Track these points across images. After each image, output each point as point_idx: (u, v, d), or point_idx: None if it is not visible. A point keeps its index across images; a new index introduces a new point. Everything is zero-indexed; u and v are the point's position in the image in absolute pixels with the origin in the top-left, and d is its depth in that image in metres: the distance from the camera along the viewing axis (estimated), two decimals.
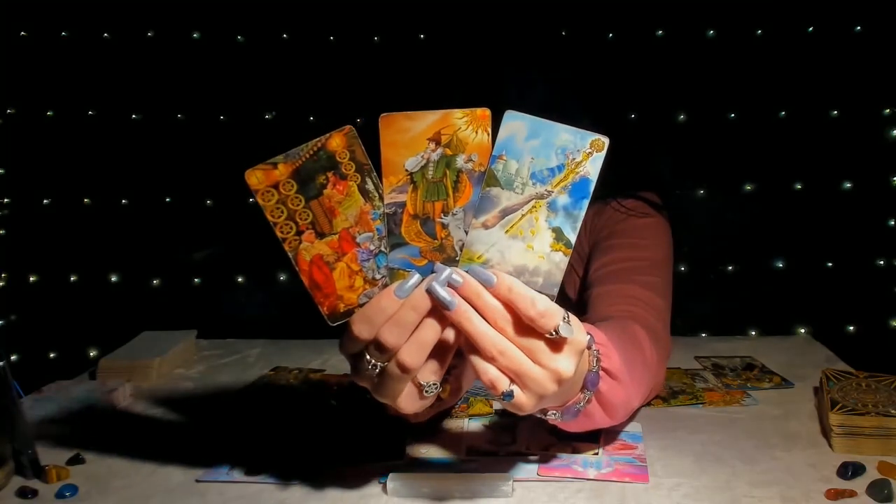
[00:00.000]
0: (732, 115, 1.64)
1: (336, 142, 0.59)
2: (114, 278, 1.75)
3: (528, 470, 0.72)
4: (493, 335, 0.56)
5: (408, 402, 0.60)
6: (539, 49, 0.98)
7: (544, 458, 0.74)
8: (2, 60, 1.68)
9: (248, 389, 1.02)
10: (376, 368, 0.58)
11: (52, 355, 1.76)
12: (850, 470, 0.69)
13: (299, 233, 0.59)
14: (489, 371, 0.57)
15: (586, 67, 1.06)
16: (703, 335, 1.40)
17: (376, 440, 0.80)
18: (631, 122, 1.62)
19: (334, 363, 1.13)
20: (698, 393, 0.93)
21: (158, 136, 1.72)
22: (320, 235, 0.60)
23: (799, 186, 1.64)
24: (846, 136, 1.62)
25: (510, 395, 0.57)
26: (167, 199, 1.73)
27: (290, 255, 0.60)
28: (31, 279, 1.76)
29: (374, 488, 0.70)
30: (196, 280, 1.75)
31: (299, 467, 0.75)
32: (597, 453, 0.75)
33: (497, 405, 0.90)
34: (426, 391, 0.59)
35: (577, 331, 0.58)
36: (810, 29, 1.60)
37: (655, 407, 0.89)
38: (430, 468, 0.73)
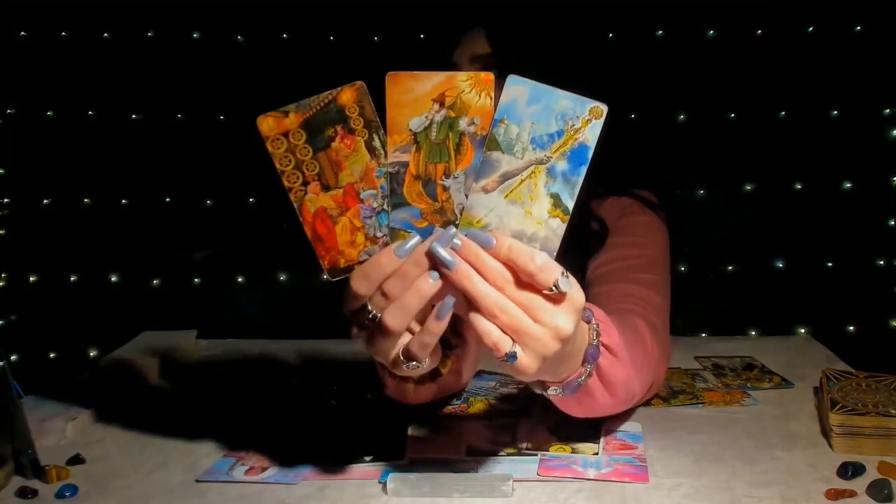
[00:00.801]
0: (732, 115, 1.64)
1: (347, 96, 0.59)
2: (114, 278, 1.75)
3: (528, 470, 0.72)
4: (493, 294, 0.57)
5: (399, 367, 0.62)
6: (539, 49, 0.98)
7: (544, 458, 0.74)
8: (2, 60, 1.68)
9: (248, 389, 1.02)
10: (375, 320, 0.59)
11: (52, 355, 1.76)
12: (850, 470, 0.69)
13: (305, 183, 0.60)
14: (492, 333, 0.58)
15: (586, 68, 1.05)
16: (703, 335, 1.40)
17: (376, 440, 0.80)
18: (630, 121, 1.62)
19: (334, 363, 1.13)
20: (698, 393, 0.93)
21: (158, 136, 1.72)
22: (325, 188, 0.60)
23: (799, 186, 1.64)
24: (846, 136, 1.62)
25: (513, 356, 0.58)
26: (167, 199, 1.73)
27: (294, 204, 0.61)
28: (31, 279, 1.76)
29: (374, 488, 0.70)
30: (196, 280, 1.75)
31: (299, 467, 0.75)
32: (597, 453, 0.75)
33: (497, 405, 0.90)
34: (409, 366, 0.61)
35: (575, 289, 0.58)
36: (810, 29, 1.60)
37: (655, 407, 0.89)
38: (430, 468, 0.73)
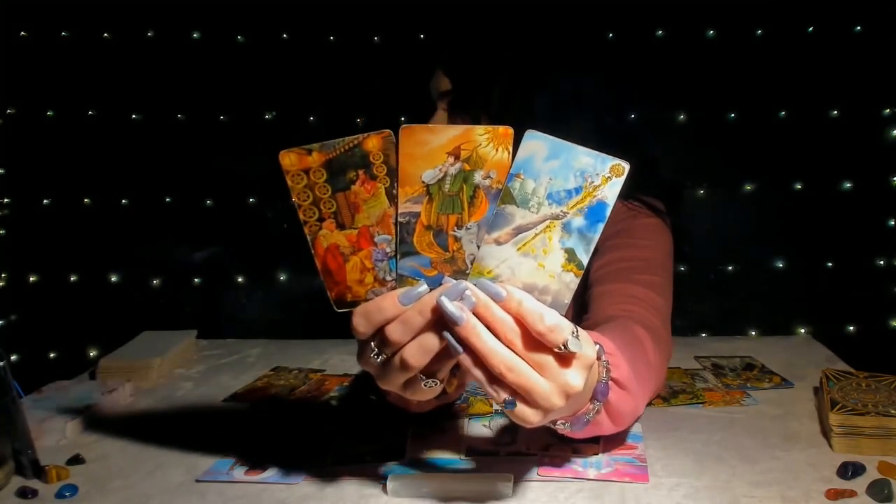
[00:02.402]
0: (732, 115, 1.64)
1: (373, 143, 0.59)
2: (114, 278, 1.75)
3: (528, 470, 0.72)
4: (501, 351, 0.56)
5: (409, 392, 0.61)
6: (539, 50, 0.98)
7: (544, 458, 0.74)
8: (2, 60, 1.68)
9: (248, 389, 1.02)
10: (379, 358, 0.59)
11: (52, 355, 1.76)
12: (850, 470, 0.69)
13: (321, 219, 0.60)
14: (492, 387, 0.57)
15: (587, 68, 1.06)
16: (703, 335, 1.40)
17: (376, 440, 0.80)
18: (633, 123, 1.62)
19: (334, 363, 1.13)
20: (698, 393, 0.93)
21: (158, 136, 1.72)
22: (340, 227, 0.60)
23: (799, 186, 1.64)
24: (846, 136, 1.62)
25: (512, 403, 0.57)
26: (167, 199, 1.73)
27: (308, 237, 0.61)
28: (31, 279, 1.76)
29: (374, 488, 0.70)
30: (196, 280, 1.75)
31: (299, 467, 0.75)
32: (597, 453, 0.75)
33: (497, 405, 0.90)
34: (425, 385, 0.60)
35: (585, 345, 0.57)
36: (810, 29, 1.60)
37: (655, 407, 0.89)
38: (430, 468, 0.73)
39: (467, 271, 0.60)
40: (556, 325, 0.55)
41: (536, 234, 0.58)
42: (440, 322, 0.56)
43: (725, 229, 1.66)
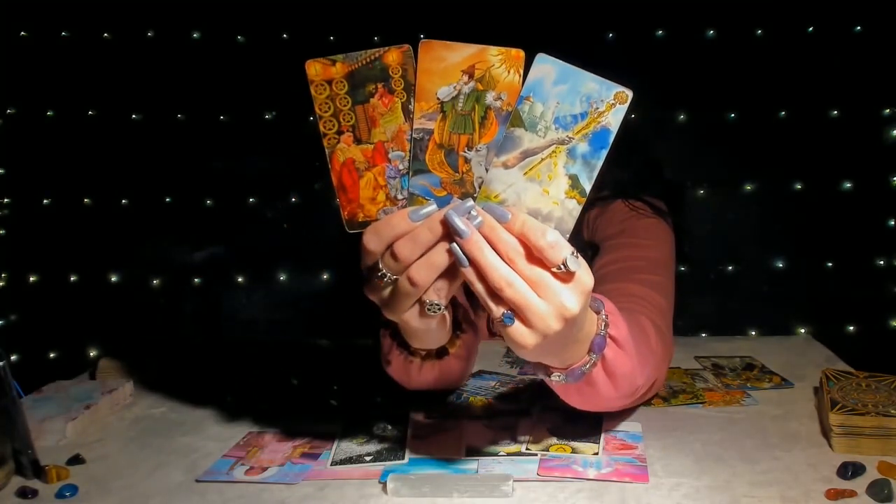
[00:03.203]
0: (732, 115, 1.64)
1: (392, 56, 0.60)
2: (114, 278, 1.75)
3: (528, 470, 0.72)
4: (502, 267, 0.58)
5: (413, 318, 0.63)
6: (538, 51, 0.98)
7: (544, 458, 0.74)
8: (2, 60, 1.68)
9: (248, 389, 1.02)
10: (386, 279, 0.61)
11: (52, 355, 1.76)
12: (850, 470, 0.69)
13: (339, 132, 0.62)
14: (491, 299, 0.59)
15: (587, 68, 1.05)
16: (703, 335, 1.40)
17: (376, 440, 0.80)
18: (637, 123, 1.62)
19: (334, 363, 1.13)
20: (698, 393, 0.93)
21: (158, 136, 1.72)
22: (357, 141, 0.62)
23: (799, 186, 1.64)
24: (846, 136, 1.62)
25: (510, 317, 0.58)
26: (167, 199, 1.73)
27: (326, 150, 0.62)
28: (31, 279, 1.76)
29: (374, 488, 0.70)
30: (196, 280, 1.75)
31: (299, 467, 0.75)
32: (597, 453, 0.75)
33: (497, 405, 0.90)
34: (429, 309, 0.61)
35: (584, 271, 0.59)
36: (810, 29, 1.60)
37: (655, 407, 0.89)
38: (430, 468, 0.73)
39: (475, 194, 0.61)
40: (557, 242, 0.57)
41: (542, 160, 0.60)
42: (447, 238, 0.58)
43: (725, 229, 1.66)
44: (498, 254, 0.58)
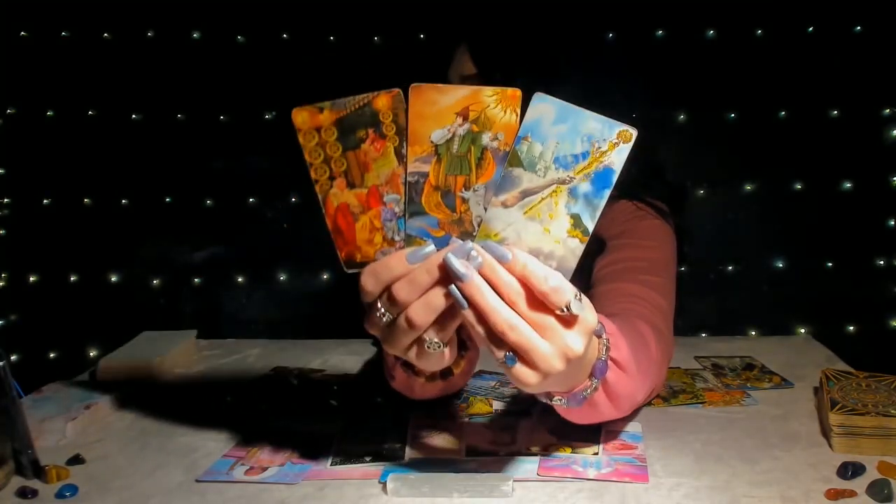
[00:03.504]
0: (732, 115, 1.64)
1: (382, 101, 0.60)
2: (114, 278, 1.75)
3: (528, 470, 0.72)
4: (504, 310, 0.57)
5: (413, 355, 0.62)
6: (539, 51, 0.98)
7: (544, 458, 0.74)
8: (2, 60, 1.68)
9: (248, 389, 1.02)
10: (385, 318, 0.60)
11: (52, 355, 1.76)
12: (850, 470, 0.69)
13: (332, 178, 0.61)
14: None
15: (587, 68, 1.05)
16: (703, 335, 1.40)
17: (376, 440, 0.80)
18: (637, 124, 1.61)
19: (334, 363, 1.13)
20: (698, 393, 0.93)
21: (158, 136, 1.72)
22: (351, 185, 0.61)
23: (799, 186, 1.64)
24: (846, 136, 1.62)
25: (512, 358, 0.58)
26: (167, 199, 1.73)
27: (319, 196, 0.62)
28: (31, 279, 1.76)
29: (374, 488, 0.70)
30: (196, 280, 1.75)
31: (299, 467, 0.75)
32: (597, 453, 0.75)
33: (497, 405, 0.90)
34: (429, 346, 0.61)
35: (588, 311, 0.58)
36: (810, 29, 1.60)
37: (655, 407, 0.89)
38: (430, 468, 0.73)
39: (474, 233, 0.61)
40: (560, 287, 0.56)
41: (543, 199, 0.59)
42: (446, 280, 0.58)
43: (725, 229, 1.65)
44: (499, 295, 0.57)
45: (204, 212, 1.73)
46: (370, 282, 0.60)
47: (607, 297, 0.87)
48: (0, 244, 1.75)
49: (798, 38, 1.60)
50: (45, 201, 1.75)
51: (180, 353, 1.15)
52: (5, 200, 1.75)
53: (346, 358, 1.15)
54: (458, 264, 0.56)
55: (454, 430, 0.82)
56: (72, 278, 1.76)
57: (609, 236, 0.97)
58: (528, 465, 0.73)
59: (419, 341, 0.61)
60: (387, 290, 0.59)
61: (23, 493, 0.72)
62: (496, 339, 0.58)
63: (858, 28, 1.59)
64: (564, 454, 0.75)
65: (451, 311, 0.59)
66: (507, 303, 0.57)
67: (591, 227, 0.59)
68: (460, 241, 0.59)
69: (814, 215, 1.64)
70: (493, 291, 0.57)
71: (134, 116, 1.72)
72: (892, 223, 1.63)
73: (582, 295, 0.58)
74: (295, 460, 0.77)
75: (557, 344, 0.57)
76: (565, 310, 0.56)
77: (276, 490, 0.71)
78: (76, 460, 0.79)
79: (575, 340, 0.57)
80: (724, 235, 1.65)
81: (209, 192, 1.73)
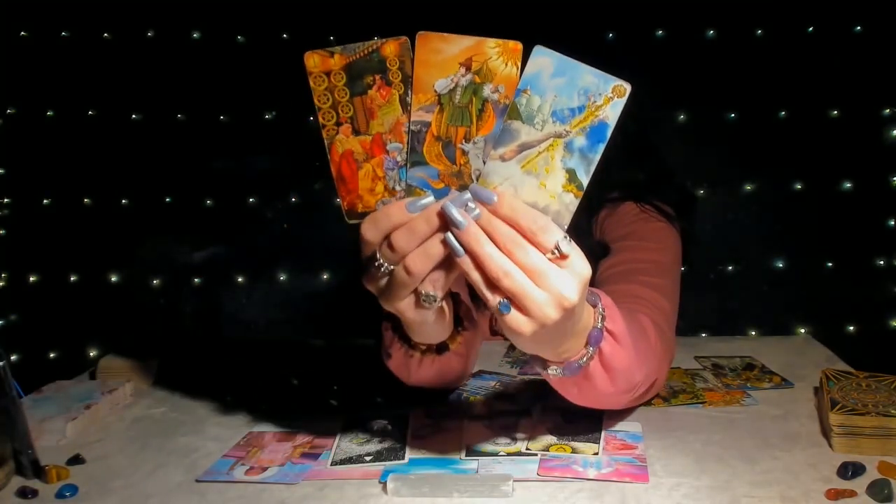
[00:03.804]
0: (732, 115, 1.64)
1: (390, 48, 0.61)
2: (114, 278, 1.75)
3: (528, 470, 0.72)
4: (499, 257, 0.58)
5: (409, 309, 0.63)
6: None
7: (544, 458, 0.74)
8: (2, 60, 1.68)
9: (248, 389, 1.02)
10: (383, 269, 0.61)
11: (52, 355, 1.76)
12: (850, 470, 0.69)
13: (338, 123, 0.62)
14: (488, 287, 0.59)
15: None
16: (703, 335, 1.40)
17: (376, 440, 0.80)
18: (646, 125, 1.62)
19: (334, 363, 1.13)
20: (698, 393, 0.93)
21: (158, 136, 1.72)
22: (356, 132, 0.62)
23: (799, 186, 1.64)
24: (846, 136, 1.62)
25: (506, 305, 0.58)
26: (167, 199, 1.73)
27: (325, 141, 0.62)
28: (31, 279, 1.76)
29: (374, 488, 0.70)
30: (196, 280, 1.75)
31: (299, 467, 0.75)
32: (597, 453, 0.75)
33: (497, 405, 0.90)
34: (424, 300, 0.62)
35: (580, 261, 0.59)
36: (810, 29, 1.60)
37: (655, 407, 0.89)
38: (430, 468, 0.73)
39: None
40: (547, 226, 0.57)
41: (540, 153, 0.60)
42: (444, 229, 0.59)
43: (725, 229, 1.66)
44: (495, 244, 0.58)
45: (204, 212, 1.73)
46: (370, 230, 0.61)
47: (611, 298, 0.87)
48: (0, 244, 1.75)
49: (798, 38, 1.60)
50: (45, 201, 1.75)
51: (180, 354, 1.15)
52: (5, 200, 1.75)
53: (346, 358, 1.15)
54: (456, 212, 0.58)
55: (454, 430, 0.82)
56: (72, 278, 1.76)
57: (614, 238, 0.97)
58: (528, 465, 0.73)
59: (416, 294, 0.62)
60: (386, 239, 0.60)
61: (23, 493, 0.72)
62: (491, 285, 0.58)
63: (858, 28, 1.59)
64: (564, 454, 0.75)
65: (447, 261, 0.60)
66: (502, 251, 0.58)
67: (585, 181, 0.59)
68: (458, 192, 0.60)
69: (814, 215, 1.64)
70: (488, 239, 0.58)
71: (134, 116, 1.72)
72: (892, 223, 1.63)
73: (572, 241, 0.58)
74: (295, 460, 0.77)
75: (552, 291, 0.58)
76: (555, 251, 0.57)
77: (276, 490, 0.71)
78: (76, 460, 0.79)
79: (569, 287, 0.58)
80: (724, 235, 1.65)
81: (209, 192, 1.73)
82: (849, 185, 1.63)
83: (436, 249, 0.59)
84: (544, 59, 0.59)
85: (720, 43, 1.62)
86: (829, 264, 1.65)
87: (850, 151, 1.62)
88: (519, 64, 0.59)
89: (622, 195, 0.99)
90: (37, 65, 1.71)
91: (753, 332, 1.59)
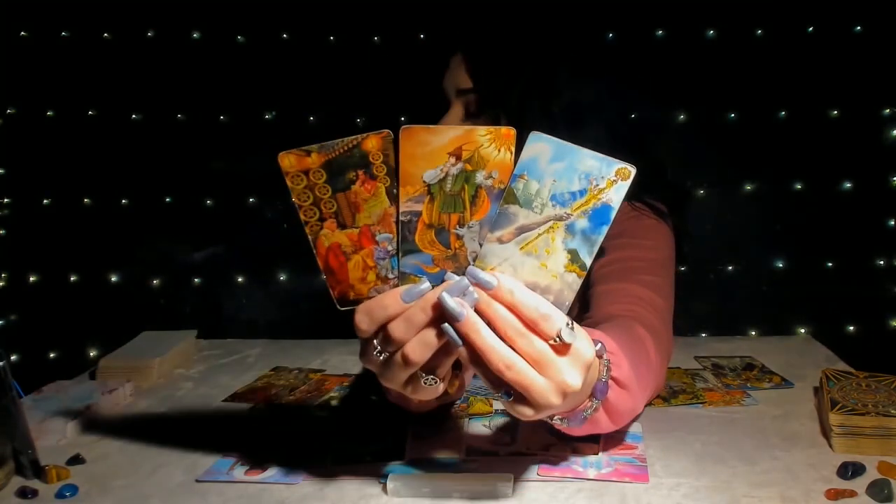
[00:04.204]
0: (732, 115, 1.64)
1: (372, 143, 0.59)
2: (114, 278, 1.75)
3: (528, 470, 0.72)
4: (501, 348, 0.56)
5: (411, 390, 0.62)
6: (540, 52, 0.98)
7: (544, 458, 0.74)
8: (2, 60, 1.68)
9: (248, 389, 1.02)
10: (381, 356, 0.60)
11: (52, 355, 1.76)
12: (850, 470, 0.69)
13: (322, 219, 0.61)
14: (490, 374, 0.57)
15: (587, 69, 1.05)
16: (703, 335, 1.40)
17: (376, 440, 0.80)
18: (641, 125, 1.62)
19: (334, 363, 1.13)
20: (698, 393, 0.93)
21: (158, 136, 1.72)
22: (342, 226, 0.61)
23: (799, 186, 1.64)
24: (846, 136, 1.62)
25: (508, 394, 0.58)
26: (167, 199, 1.73)
27: (309, 237, 0.61)
28: (31, 279, 1.76)
29: (374, 488, 0.70)
30: (196, 280, 1.75)
31: (299, 467, 0.75)
32: (597, 453, 0.75)
33: (497, 405, 0.90)
34: (425, 382, 0.61)
35: (582, 341, 0.58)
36: (810, 29, 1.60)
37: (655, 407, 0.89)
38: (430, 468, 0.73)
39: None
40: (550, 314, 0.56)
41: (539, 235, 0.58)
42: (441, 318, 0.57)
43: (725, 229, 1.65)
44: (495, 331, 0.56)
45: (204, 212, 1.73)
46: (365, 321, 0.59)
47: (606, 297, 0.87)
48: (0, 244, 1.75)
49: (798, 38, 1.60)
50: (45, 201, 1.75)
51: (180, 353, 1.15)
52: (5, 200, 1.75)
53: (346, 358, 1.15)
54: (453, 303, 0.56)
55: (454, 430, 0.82)
56: (72, 278, 1.76)
57: (607, 237, 0.96)
58: (528, 465, 0.73)
59: (415, 376, 0.61)
60: (382, 329, 0.59)
61: (23, 493, 0.72)
62: (493, 376, 0.57)
63: (858, 28, 1.59)
64: (564, 454, 0.75)
65: (446, 347, 0.58)
66: (503, 338, 0.56)
67: (588, 262, 0.58)
68: (456, 277, 0.58)
69: (814, 215, 1.64)
70: (489, 329, 0.56)
71: (134, 116, 1.72)
72: (892, 223, 1.63)
73: (575, 324, 0.57)
74: (295, 460, 0.77)
75: (554, 380, 0.56)
76: (557, 339, 0.56)
77: (276, 490, 0.71)
78: (76, 460, 0.79)
79: (572, 375, 0.57)
80: (724, 235, 1.65)
81: (209, 192, 1.73)
82: (849, 185, 1.63)
83: (434, 339, 0.57)
84: (541, 144, 0.58)
85: (720, 43, 1.62)
86: (829, 264, 1.65)
87: (850, 151, 1.62)
88: (513, 149, 0.58)
89: None
90: (37, 65, 1.71)
91: (753, 332, 1.59)
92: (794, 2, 1.59)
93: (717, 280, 1.66)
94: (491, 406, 0.90)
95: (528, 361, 0.56)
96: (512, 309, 0.56)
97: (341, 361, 1.13)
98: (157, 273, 1.75)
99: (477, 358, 0.57)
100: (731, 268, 1.67)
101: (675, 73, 1.62)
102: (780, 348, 1.13)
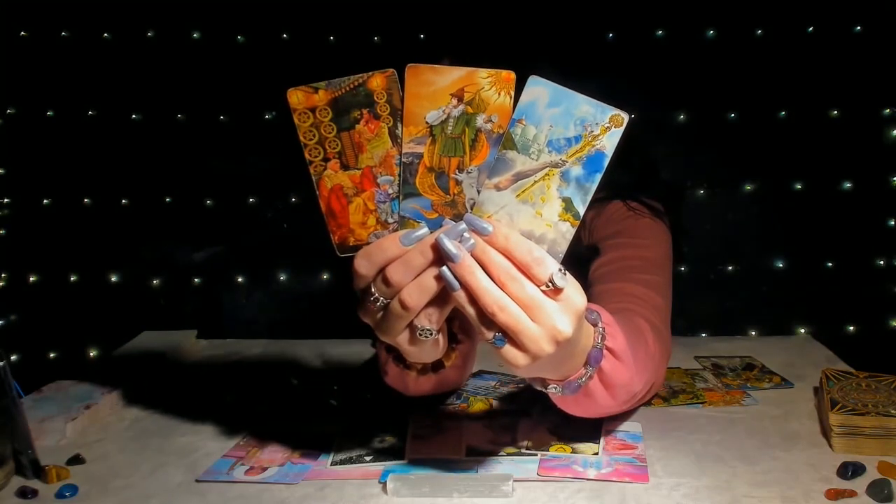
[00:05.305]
0: (732, 115, 1.64)
1: (376, 81, 0.60)
2: (114, 278, 1.75)
3: (528, 470, 0.72)
4: (494, 290, 0.57)
5: (405, 341, 0.63)
6: (539, 52, 0.98)
7: (544, 458, 0.74)
8: (2, 60, 1.68)
9: (249, 389, 1.02)
10: (378, 303, 0.60)
11: (52, 355, 1.76)
12: (850, 470, 0.69)
13: (326, 159, 0.61)
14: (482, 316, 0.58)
15: (587, 69, 1.06)
16: (703, 335, 1.40)
17: (376, 440, 0.80)
18: (633, 123, 1.62)
19: (334, 363, 1.13)
20: (698, 393, 0.93)
21: (158, 136, 1.72)
22: (344, 167, 0.61)
23: (799, 186, 1.64)
24: (846, 136, 1.62)
25: (501, 339, 0.58)
26: (167, 199, 1.73)
27: (313, 178, 0.61)
28: (31, 279, 1.76)
29: (374, 488, 0.70)
30: (196, 280, 1.75)
31: (299, 467, 0.75)
32: (597, 453, 0.75)
33: (497, 405, 0.90)
34: (420, 334, 0.61)
35: (574, 291, 0.58)
36: (810, 29, 1.60)
37: (655, 407, 0.89)
38: (430, 468, 0.73)
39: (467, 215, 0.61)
40: (542, 258, 0.57)
41: (535, 182, 0.59)
42: (439, 262, 0.58)
43: (725, 229, 1.65)
44: (490, 276, 0.57)
45: (204, 212, 1.73)
46: (364, 264, 0.60)
47: (604, 296, 0.87)
48: (0, 244, 1.75)
49: (798, 38, 1.60)
50: (45, 201, 1.75)
51: (180, 353, 1.15)
52: (5, 200, 1.75)
53: (346, 358, 1.15)
54: (451, 245, 0.57)
55: (454, 430, 0.82)
56: (72, 278, 1.76)
57: (604, 236, 0.97)
58: (528, 465, 0.73)
59: (411, 328, 0.61)
60: (380, 273, 0.59)
61: (23, 493, 0.72)
62: (486, 320, 0.58)
63: (858, 28, 1.59)
64: (564, 454, 0.75)
65: (443, 295, 0.59)
66: (497, 284, 0.57)
67: (581, 210, 0.59)
68: (453, 223, 0.59)
69: (814, 215, 1.64)
70: (484, 273, 0.57)
71: (134, 116, 1.72)
72: (892, 223, 1.63)
73: (568, 273, 0.58)
74: (295, 460, 0.77)
75: (546, 326, 0.57)
76: (549, 284, 0.57)
77: (276, 490, 0.71)
78: (76, 460, 0.79)
79: (563, 322, 0.58)
80: (724, 235, 1.65)
81: (209, 192, 1.73)
82: (849, 185, 1.63)
83: (431, 282, 0.58)
84: (539, 88, 0.58)
85: (720, 43, 1.62)
86: (829, 264, 1.65)
87: (850, 151, 1.62)
88: (512, 93, 0.59)
89: (608, 194, 0.99)
90: (37, 65, 1.71)
91: (753, 332, 1.59)
92: (794, 2, 1.59)
93: (717, 280, 1.66)
94: (491, 406, 0.90)
95: (520, 306, 0.57)
96: (506, 254, 0.57)
97: (341, 362, 1.13)
98: (157, 273, 1.75)
99: (471, 301, 0.58)
100: (731, 268, 1.67)
101: (675, 73, 1.62)
102: (780, 348, 1.13)
